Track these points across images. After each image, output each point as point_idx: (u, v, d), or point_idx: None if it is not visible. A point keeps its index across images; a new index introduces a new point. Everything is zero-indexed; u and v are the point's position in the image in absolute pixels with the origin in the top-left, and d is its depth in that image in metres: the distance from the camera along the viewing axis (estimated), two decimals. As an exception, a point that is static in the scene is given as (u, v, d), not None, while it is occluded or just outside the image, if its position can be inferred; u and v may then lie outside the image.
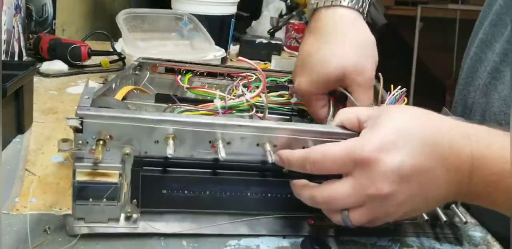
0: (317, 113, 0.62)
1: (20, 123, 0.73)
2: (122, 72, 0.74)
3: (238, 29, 1.55)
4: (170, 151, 0.46)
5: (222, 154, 0.47)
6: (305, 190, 0.48)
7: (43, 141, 0.73)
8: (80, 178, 0.47)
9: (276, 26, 1.60)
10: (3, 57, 0.95)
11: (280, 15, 1.68)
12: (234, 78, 0.74)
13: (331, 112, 0.61)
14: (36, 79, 0.93)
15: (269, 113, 0.65)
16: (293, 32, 1.62)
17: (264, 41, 1.45)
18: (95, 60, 1.20)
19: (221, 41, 1.28)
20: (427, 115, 0.48)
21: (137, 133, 0.47)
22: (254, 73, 0.69)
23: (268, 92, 0.65)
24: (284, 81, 0.74)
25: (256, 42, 1.44)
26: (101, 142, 0.46)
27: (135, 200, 0.49)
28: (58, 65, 1.14)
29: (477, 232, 0.57)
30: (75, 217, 0.49)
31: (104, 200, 0.48)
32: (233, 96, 0.63)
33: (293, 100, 0.68)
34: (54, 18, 1.34)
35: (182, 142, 0.48)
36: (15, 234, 0.49)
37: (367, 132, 0.46)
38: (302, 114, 0.68)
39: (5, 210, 0.53)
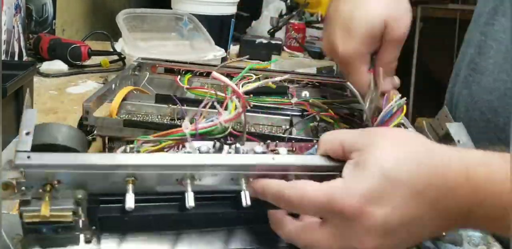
0: (361, 80, 0.60)
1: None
2: (122, 73, 0.74)
3: (238, 29, 1.55)
4: (129, 204, 0.39)
5: (190, 204, 0.40)
6: (282, 228, 0.45)
7: (43, 141, 0.73)
8: (28, 220, 0.40)
9: (276, 26, 1.60)
10: (3, 57, 0.95)
11: (280, 15, 1.68)
12: (233, 78, 0.74)
13: (372, 85, 0.59)
14: (36, 79, 0.92)
15: (270, 113, 0.65)
16: (293, 32, 1.62)
17: (264, 41, 1.45)
18: (95, 60, 1.20)
19: (221, 41, 1.28)
20: (419, 149, 0.42)
21: (90, 179, 0.40)
22: (254, 73, 0.69)
23: (264, 94, 0.64)
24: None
25: (256, 42, 1.44)
26: (48, 188, 0.39)
27: (93, 227, 0.44)
28: (58, 65, 1.14)
29: (477, 232, 0.57)
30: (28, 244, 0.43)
31: (59, 230, 0.42)
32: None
33: (293, 100, 0.68)
34: (54, 18, 1.34)
35: (144, 181, 0.41)
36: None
37: (350, 176, 0.41)
38: (302, 114, 0.68)
39: (5, 210, 0.53)
